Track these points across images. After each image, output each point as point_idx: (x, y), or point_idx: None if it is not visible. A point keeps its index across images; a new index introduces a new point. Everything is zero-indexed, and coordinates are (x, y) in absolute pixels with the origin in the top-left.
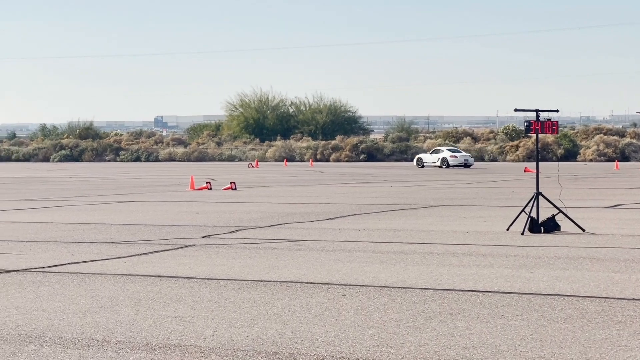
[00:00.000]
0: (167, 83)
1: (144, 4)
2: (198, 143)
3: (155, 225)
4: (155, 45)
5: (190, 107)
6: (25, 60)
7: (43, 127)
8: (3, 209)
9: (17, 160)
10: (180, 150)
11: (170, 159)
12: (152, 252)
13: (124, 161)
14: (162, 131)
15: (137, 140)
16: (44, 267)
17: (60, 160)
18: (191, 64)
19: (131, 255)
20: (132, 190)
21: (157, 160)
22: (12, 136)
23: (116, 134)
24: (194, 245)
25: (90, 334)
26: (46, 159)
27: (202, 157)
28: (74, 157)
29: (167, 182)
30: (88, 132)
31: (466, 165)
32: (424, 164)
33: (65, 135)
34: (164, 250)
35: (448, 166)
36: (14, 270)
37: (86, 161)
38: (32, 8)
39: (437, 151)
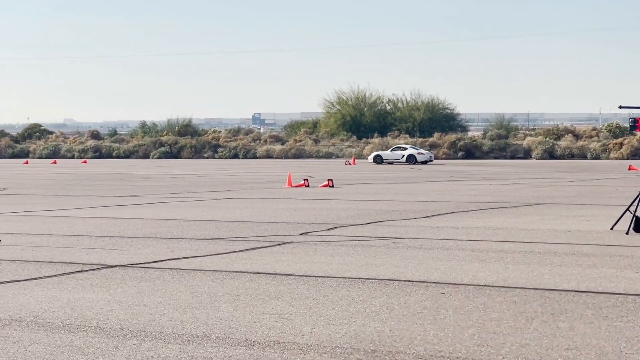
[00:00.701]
0: (264, 80)
1: (241, 1)
2: (295, 140)
3: (253, 222)
4: (253, 42)
5: (287, 105)
6: (125, 58)
7: (143, 125)
8: (105, 205)
9: (118, 157)
10: (277, 147)
11: (268, 156)
12: (250, 249)
13: (222, 158)
14: (259, 128)
15: (235, 138)
16: (144, 263)
17: (159, 157)
18: (289, 61)
19: (230, 252)
20: (230, 187)
21: (254, 157)
22: (114, 133)
23: (214, 131)
24: (292, 242)
25: (190, 330)
26: (146, 156)
27: (299, 155)
28: (173, 154)
29: (265, 179)
30: (187, 129)
31: (430, 161)
32: (384, 161)
33: (164, 133)
34: (262, 247)
35: (415, 162)
36: (116, 266)
37: (185, 158)
38: (130, 5)
39: (399, 148)
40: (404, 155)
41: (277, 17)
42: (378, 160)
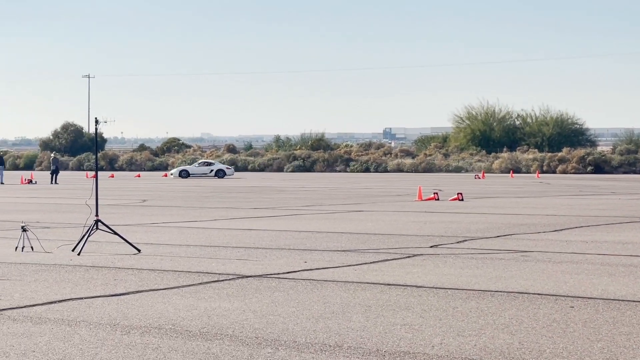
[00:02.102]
0: (396, 95)
1: (369, 17)
2: (425, 154)
3: (384, 235)
4: (385, 58)
5: (418, 119)
6: (261, 75)
7: (277, 139)
8: (240, 217)
9: (253, 170)
10: (408, 161)
11: (399, 169)
12: (381, 261)
13: (354, 172)
14: (390, 143)
15: (367, 152)
16: (278, 274)
17: (293, 171)
18: (420, 76)
19: (361, 264)
20: (361, 200)
21: (385, 171)
22: (249, 147)
23: (346, 145)
24: (422, 254)
25: (323, 339)
26: (280, 169)
27: (429, 168)
28: (306, 167)
29: (395, 193)
30: (319, 143)
31: (232, 175)
32: (190, 175)
33: (298, 147)
34: (393, 259)
35: (224, 176)
36: (251, 276)
37: (317, 171)
38: (265, 22)
39: (207, 164)
40: (212, 170)
41: (408, 33)
42: (184, 174)
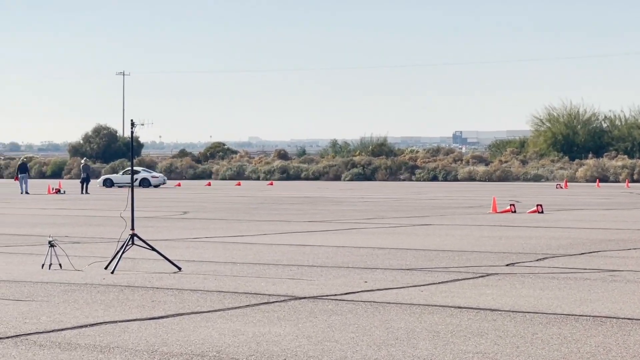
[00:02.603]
0: (467, 95)
1: (435, 10)
2: (500, 161)
3: (454, 251)
4: (453, 53)
5: (492, 122)
6: (314, 72)
7: (334, 144)
8: (292, 231)
9: (307, 178)
10: (481, 168)
11: (470, 178)
12: (451, 281)
13: (420, 180)
14: (461, 148)
15: (434, 158)
16: (335, 295)
17: (351, 179)
18: (493, 75)
19: (428, 284)
20: (428, 213)
21: (455, 179)
22: (302, 153)
23: (411, 151)
24: (497, 273)
25: None
26: (337, 178)
27: (504, 177)
28: (366, 175)
29: (467, 204)
30: (381, 148)
31: (163, 184)
32: (114, 184)
33: (357, 152)
34: (464, 279)
35: (149, 185)
36: (304, 297)
37: (379, 180)
38: (314, 18)
39: (136, 172)
40: (137, 179)
41: (480, 25)
42: (108, 183)
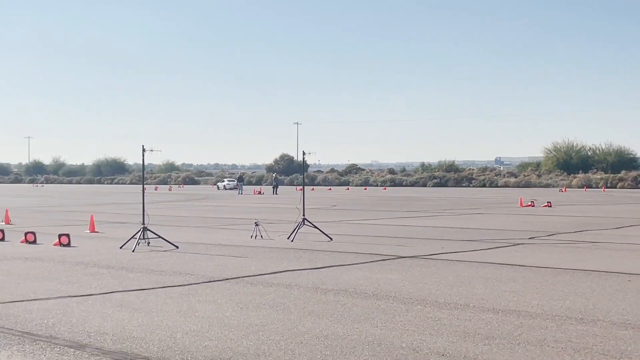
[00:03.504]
0: (506, 127)
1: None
2: (524, 175)
3: (496, 230)
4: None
5: (521, 149)
6: (412, 112)
7: (422, 165)
8: (397, 217)
9: (406, 185)
10: (512, 179)
11: (505, 185)
12: (494, 247)
13: (474, 187)
14: (500, 167)
15: (483, 173)
16: (425, 255)
17: (432, 186)
18: (521, 111)
19: (481, 249)
20: (479, 206)
21: (496, 186)
22: (403, 170)
23: (469, 169)
24: (523, 244)
25: (456, 300)
26: (424, 185)
27: (527, 185)
28: (442, 184)
29: (503, 202)
30: (451, 167)
31: (236, 188)
32: (220, 188)
33: (436, 170)
34: (503, 247)
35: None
36: (406, 257)
37: (449, 187)
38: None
39: (229, 179)
40: (226, 184)
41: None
42: (222, 187)
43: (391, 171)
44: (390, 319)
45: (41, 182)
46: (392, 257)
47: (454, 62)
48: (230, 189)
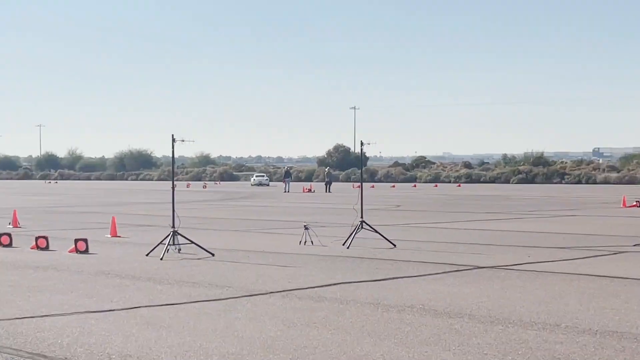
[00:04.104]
0: (605, 116)
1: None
2: (629, 169)
3: (594, 235)
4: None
5: (623, 139)
6: (485, 101)
7: (504, 157)
8: (474, 220)
9: (484, 182)
10: (613, 175)
11: (605, 182)
12: (592, 256)
13: (568, 184)
14: (599, 160)
15: (578, 167)
16: (506, 265)
17: (517, 182)
18: (625, 96)
19: (575, 258)
20: (574, 207)
21: (594, 183)
22: (482, 163)
23: (561, 162)
24: (627, 252)
25: (544, 319)
26: (506, 181)
27: (631, 181)
28: (528, 180)
29: (603, 201)
30: (539, 160)
31: (262, 184)
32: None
33: (521, 163)
34: (602, 255)
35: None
36: (484, 267)
37: (537, 183)
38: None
39: (257, 174)
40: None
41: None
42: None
43: (467, 165)
44: (465, 342)
45: (55, 178)
46: (468, 267)
47: (541, 38)
48: (257, 185)
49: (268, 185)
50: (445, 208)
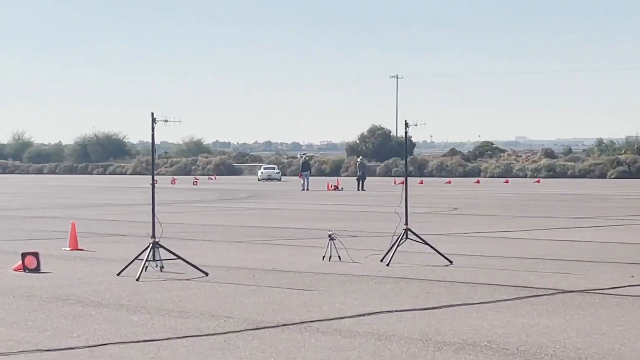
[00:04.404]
0: None
1: None
2: None
3: None
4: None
5: None
6: (575, 74)
7: (599, 143)
8: (561, 227)
9: (572, 176)
10: None
11: None
12: None
13: None
14: None
15: None
16: (602, 289)
17: (616, 177)
18: None
19: None
20: None
21: None
22: (568, 152)
23: None
24: None
25: None
26: (602, 176)
27: None
28: (632, 173)
29: None
30: None
31: (271, 178)
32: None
33: (623, 151)
34: None
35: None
36: (572, 291)
37: None
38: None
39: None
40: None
41: None
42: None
43: (548, 153)
44: None
45: None
46: (550, 291)
47: None
48: (266, 179)
49: (280, 180)
50: (519, 212)
